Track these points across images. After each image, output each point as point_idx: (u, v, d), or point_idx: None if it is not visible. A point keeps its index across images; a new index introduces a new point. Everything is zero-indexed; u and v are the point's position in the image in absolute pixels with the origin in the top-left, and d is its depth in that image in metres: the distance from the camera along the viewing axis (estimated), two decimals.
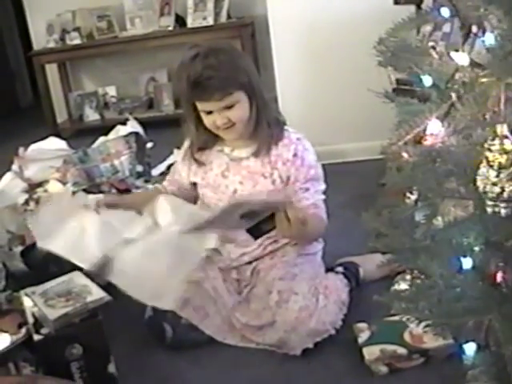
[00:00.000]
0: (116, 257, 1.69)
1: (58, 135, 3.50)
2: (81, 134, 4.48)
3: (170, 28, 4.38)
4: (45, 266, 2.14)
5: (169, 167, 2.68)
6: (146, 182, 2.81)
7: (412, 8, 2.36)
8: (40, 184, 2.55)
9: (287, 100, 3.18)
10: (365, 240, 1.45)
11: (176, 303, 1.74)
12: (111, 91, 4.81)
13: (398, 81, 2.13)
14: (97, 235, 1.76)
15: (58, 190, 2.48)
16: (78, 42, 4.51)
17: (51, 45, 4.56)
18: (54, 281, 1.81)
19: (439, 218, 1.23)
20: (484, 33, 1.19)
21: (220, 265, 1.94)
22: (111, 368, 1.72)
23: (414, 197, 1.31)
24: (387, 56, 1.28)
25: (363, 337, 1.72)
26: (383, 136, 1.32)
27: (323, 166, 1.95)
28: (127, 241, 1.73)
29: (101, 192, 2.51)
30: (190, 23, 4.31)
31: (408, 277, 1.84)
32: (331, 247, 2.08)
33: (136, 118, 3.21)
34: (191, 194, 2.01)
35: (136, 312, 1.96)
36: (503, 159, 1.07)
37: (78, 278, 1.82)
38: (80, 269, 1.90)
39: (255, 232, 1.68)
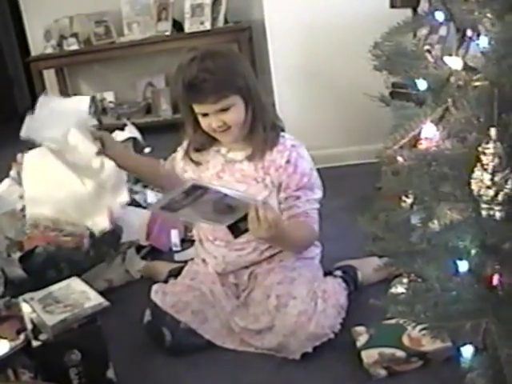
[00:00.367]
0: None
1: None
2: None
3: (168, 33, 4.39)
4: (43, 272, 2.14)
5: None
6: (145, 186, 2.81)
7: (408, 12, 2.38)
8: None
9: (284, 104, 3.19)
10: (362, 243, 1.46)
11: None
12: (109, 96, 4.82)
13: (394, 84, 2.14)
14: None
15: None
16: (75, 47, 4.51)
17: (49, 50, 4.57)
18: (53, 287, 1.82)
19: (435, 222, 1.24)
20: (479, 36, 1.19)
21: (217, 269, 1.94)
22: (110, 373, 1.72)
23: (409, 200, 1.31)
24: (382, 60, 1.29)
25: (362, 340, 1.72)
26: (380, 139, 1.32)
27: (321, 169, 1.94)
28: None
29: None
30: (187, 28, 4.31)
31: (405, 280, 1.84)
32: (329, 251, 2.08)
33: (134, 123, 3.23)
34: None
35: (134, 317, 1.97)
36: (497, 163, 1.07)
37: (76, 284, 1.82)
38: (78, 275, 1.91)
39: (235, 231, 1.65)
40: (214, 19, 4.27)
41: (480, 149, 1.11)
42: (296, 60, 3.20)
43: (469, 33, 1.26)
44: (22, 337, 1.66)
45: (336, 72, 3.13)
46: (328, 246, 2.07)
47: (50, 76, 4.81)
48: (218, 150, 1.93)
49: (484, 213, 1.12)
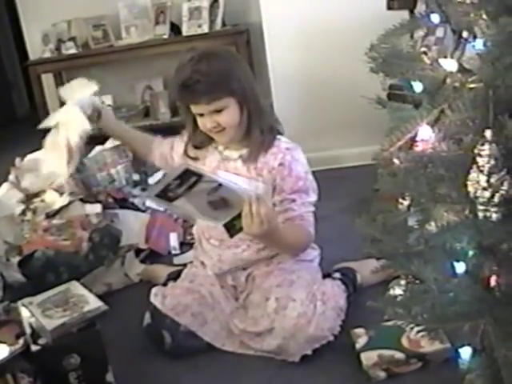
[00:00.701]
0: None
1: None
2: None
3: (166, 36, 4.38)
4: (42, 277, 2.15)
5: (165, 176, 2.67)
6: (143, 190, 2.81)
7: (405, 14, 2.38)
8: (37, 194, 2.55)
9: (282, 107, 3.18)
10: (361, 245, 1.46)
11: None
12: (107, 100, 4.80)
13: (391, 86, 2.14)
14: None
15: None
16: (73, 51, 4.51)
17: (47, 55, 4.56)
18: (51, 291, 1.82)
19: (432, 223, 1.24)
20: (475, 38, 1.20)
21: (214, 270, 1.95)
22: (109, 377, 1.72)
23: (406, 202, 1.32)
24: (379, 62, 1.29)
25: (361, 342, 1.72)
26: (378, 141, 1.32)
27: (319, 172, 1.95)
28: None
29: (98, 202, 2.52)
30: (185, 31, 4.31)
31: (403, 282, 1.84)
32: (328, 253, 2.08)
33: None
34: None
35: (134, 320, 1.97)
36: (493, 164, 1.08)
37: (75, 288, 1.82)
38: (77, 279, 1.91)
39: (231, 229, 1.64)
40: (212, 22, 4.27)
41: (476, 150, 1.11)
42: (293, 62, 3.20)
43: (465, 34, 1.26)
44: (21, 341, 1.66)
45: (333, 74, 3.13)
46: (327, 249, 2.07)
47: (48, 80, 4.79)
48: (216, 146, 1.94)
49: (480, 214, 1.12)
